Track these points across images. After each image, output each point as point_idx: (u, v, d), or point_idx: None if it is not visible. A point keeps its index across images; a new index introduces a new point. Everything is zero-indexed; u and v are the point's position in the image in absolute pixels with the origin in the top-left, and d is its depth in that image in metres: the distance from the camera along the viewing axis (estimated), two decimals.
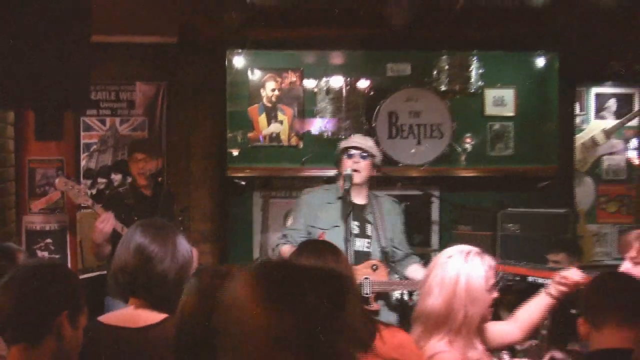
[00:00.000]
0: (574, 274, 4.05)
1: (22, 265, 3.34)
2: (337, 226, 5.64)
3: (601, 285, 3.39)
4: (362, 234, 5.73)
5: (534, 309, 4.13)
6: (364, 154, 5.76)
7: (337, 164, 5.94)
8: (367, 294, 5.46)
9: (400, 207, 6.09)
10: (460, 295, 3.55)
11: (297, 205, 6.01)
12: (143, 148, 6.65)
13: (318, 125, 8.46)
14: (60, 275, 2.98)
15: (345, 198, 5.64)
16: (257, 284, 1.78)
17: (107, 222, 6.00)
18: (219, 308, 1.83)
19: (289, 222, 6.05)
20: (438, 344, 3.57)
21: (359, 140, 5.88)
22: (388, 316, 5.65)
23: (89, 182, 8.17)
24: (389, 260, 5.78)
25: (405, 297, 6.44)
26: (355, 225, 5.70)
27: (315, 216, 5.79)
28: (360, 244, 5.69)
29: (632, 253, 4.07)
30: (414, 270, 5.78)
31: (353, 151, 5.75)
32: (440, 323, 3.58)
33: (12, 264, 4.92)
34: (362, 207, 5.80)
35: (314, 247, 3.60)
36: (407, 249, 6.00)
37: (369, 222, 5.79)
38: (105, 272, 6.55)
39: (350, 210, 5.57)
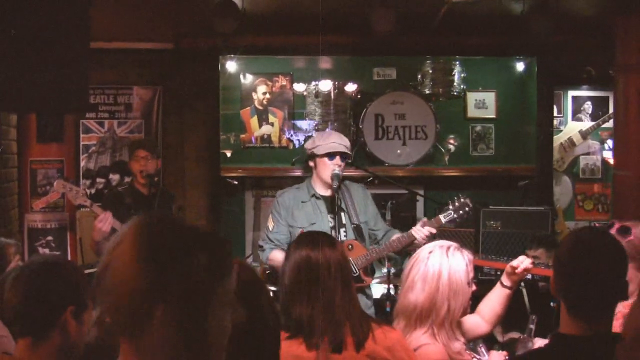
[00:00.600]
0: (522, 263, 4.16)
1: (29, 261, 3.30)
2: (314, 223, 5.76)
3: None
4: (339, 224, 5.81)
5: (494, 301, 4.24)
6: (345, 156, 5.89)
7: (311, 159, 6.00)
8: (355, 272, 5.56)
9: (367, 190, 6.17)
10: (444, 289, 3.64)
11: (274, 208, 6.04)
12: (146, 146, 6.76)
13: (308, 127, 8.67)
14: (65, 272, 3.02)
15: (335, 194, 5.75)
16: (140, 235, 1.75)
17: (105, 221, 6.08)
18: (106, 252, 1.78)
19: (270, 225, 6.02)
20: (422, 336, 3.65)
21: (338, 140, 5.91)
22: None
23: (88, 182, 8.35)
24: (362, 236, 5.86)
25: (392, 292, 6.68)
26: (330, 218, 5.81)
27: (292, 216, 5.88)
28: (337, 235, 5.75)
29: None
30: (394, 236, 5.85)
31: (336, 155, 5.83)
32: (424, 317, 3.66)
33: (2, 257, 5.17)
34: (333, 198, 5.85)
35: (311, 237, 3.58)
36: (384, 227, 6.10)
37: (342, 210, 5.87)
38: None
39: (339, 205, 5.75)
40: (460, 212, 5.87)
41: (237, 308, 1.95)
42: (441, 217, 5.85)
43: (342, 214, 5.88)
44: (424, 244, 5.11)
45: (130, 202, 6.59)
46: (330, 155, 5.83)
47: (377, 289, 6.84)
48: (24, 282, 2.93)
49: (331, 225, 5.78)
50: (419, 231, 5.71)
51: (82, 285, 3.03)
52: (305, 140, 8.37)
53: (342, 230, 5.84)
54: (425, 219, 5.94)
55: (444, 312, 3.65)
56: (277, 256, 5.69)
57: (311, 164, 6.02)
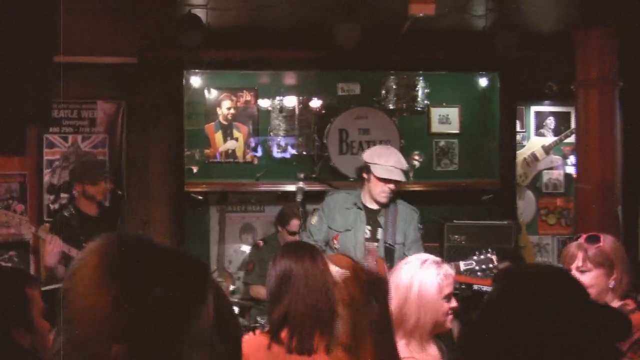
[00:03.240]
0: None
1: None
2: (349, 230, 5.90)
3: None
4: (373, 238, 5.96)
5: None
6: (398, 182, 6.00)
7: (366, 172, 6.07)
8: None
9: (416, 215, 6.20)
10: (413, 300, 3.65)
11: (321, 206, 6.26)
12: (103, 173, 6.95)
13: (272, 142, 8.67)
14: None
15: (352, 202, 5.97)
16: (103, 258, 1.54)
17: (54, 246, 6.18)
18: (67, 275, 1.58)
19: (313, 220, 6.24)
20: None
21: (397, 165, 6.00)
22: None
23: (52, 197, 8.25)
24: (391, 257, 5.91)
25: None
26: (367, 230, 5.96)
27: (333, 218, 6.05)
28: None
29: (578, 262, 4.05)
30: None
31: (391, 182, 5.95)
32: (396, 326, 3.59)
33: None
34: (376, 212, 6.03)
35: (294, 248, 3.84)
36: None
37: (380, 226, 6.00)
38: None
39: (375, 219, 5.91)
40: (483, 266, 5.79)
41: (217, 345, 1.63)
42: (462, 263, 5.80)
43: (380, 229, 5.99)
44: None
45: (77, 224, 6.62)
46: (386, 180, 5.95)
47: None
48: None
49: (366, 236, 5.94)
50: None
51: (17, 297, 2.90)
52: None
53: (375, 244, 5.97)
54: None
55: (412, 323, 3.65)
56: None
57: (365, 175, 6.11)
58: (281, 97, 8.57)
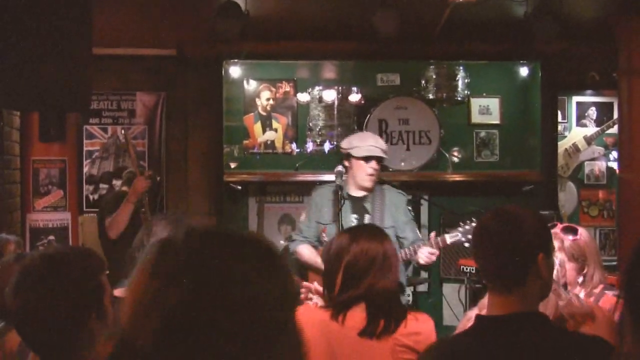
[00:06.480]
0: None
1: (30, 260, 2.70)
2: (335, 221, 5.78)
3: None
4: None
5: None
6: (380, 159, 5.87)
7: (346, 159, 5.94)
8: None
9: (405, 197, 6.05)
10: None
11: (309, 203, 6.37)
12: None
13: (311, 132, 8.63)
14: (72, 280, 2.57)
15: (337, 193, 5.77)
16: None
17: (143, 182, 6.84)
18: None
19: (302, 217, 6.28)
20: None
21: (375, 144, 5.88)
22: None
23: (91, 187, 8.36)
24: None
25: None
26: (353, 218, 5.84)
27: (320, 212, 5.96)
28: None
29: None
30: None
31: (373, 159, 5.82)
32: None
33: (1, 253, 5.16)
34: (361, 199, 5.90)
35: (370, 229, 3.98)
36: (413, 236, 5.89)
37: (368, 213, 5.89)
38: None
39: (342, 205, 5.71)
40: (469, 236, 5.47)
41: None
42: (447, 237, 5.67)
43: (367, 215, 5.90)
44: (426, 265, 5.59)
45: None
46: (367, 159, 5.83)
47: None
48: (30, 288, 2.54)
49: (353, 225, 5.80)
50: (422, 255, 5.61)
51: (91, 282, 2.63)
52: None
53: None
54: (433, 235, 5.75)
55: None
56: (304, 252, 5.95)
57: (346, 163, 5.98)
58: (320, 88, 8.48)
